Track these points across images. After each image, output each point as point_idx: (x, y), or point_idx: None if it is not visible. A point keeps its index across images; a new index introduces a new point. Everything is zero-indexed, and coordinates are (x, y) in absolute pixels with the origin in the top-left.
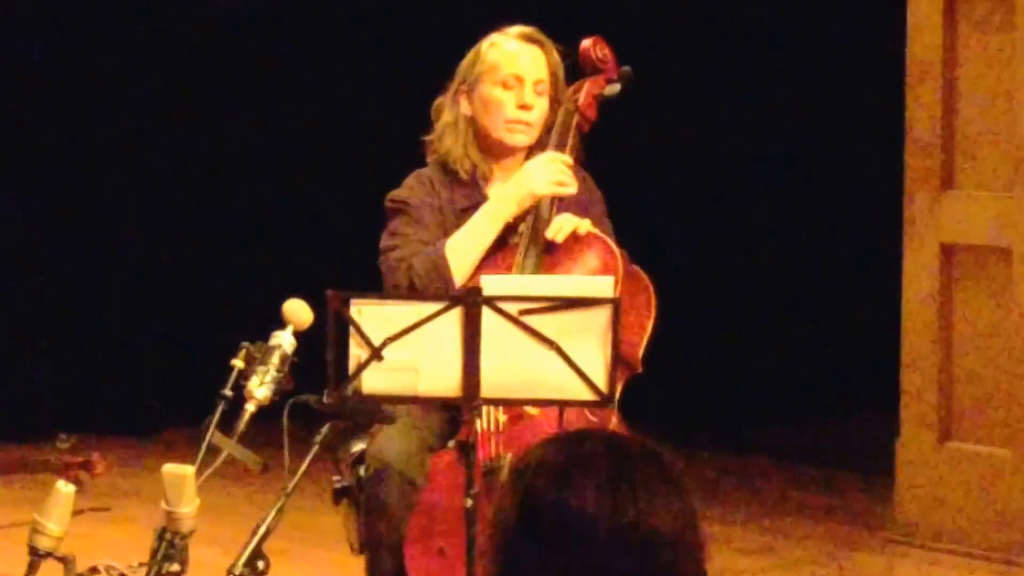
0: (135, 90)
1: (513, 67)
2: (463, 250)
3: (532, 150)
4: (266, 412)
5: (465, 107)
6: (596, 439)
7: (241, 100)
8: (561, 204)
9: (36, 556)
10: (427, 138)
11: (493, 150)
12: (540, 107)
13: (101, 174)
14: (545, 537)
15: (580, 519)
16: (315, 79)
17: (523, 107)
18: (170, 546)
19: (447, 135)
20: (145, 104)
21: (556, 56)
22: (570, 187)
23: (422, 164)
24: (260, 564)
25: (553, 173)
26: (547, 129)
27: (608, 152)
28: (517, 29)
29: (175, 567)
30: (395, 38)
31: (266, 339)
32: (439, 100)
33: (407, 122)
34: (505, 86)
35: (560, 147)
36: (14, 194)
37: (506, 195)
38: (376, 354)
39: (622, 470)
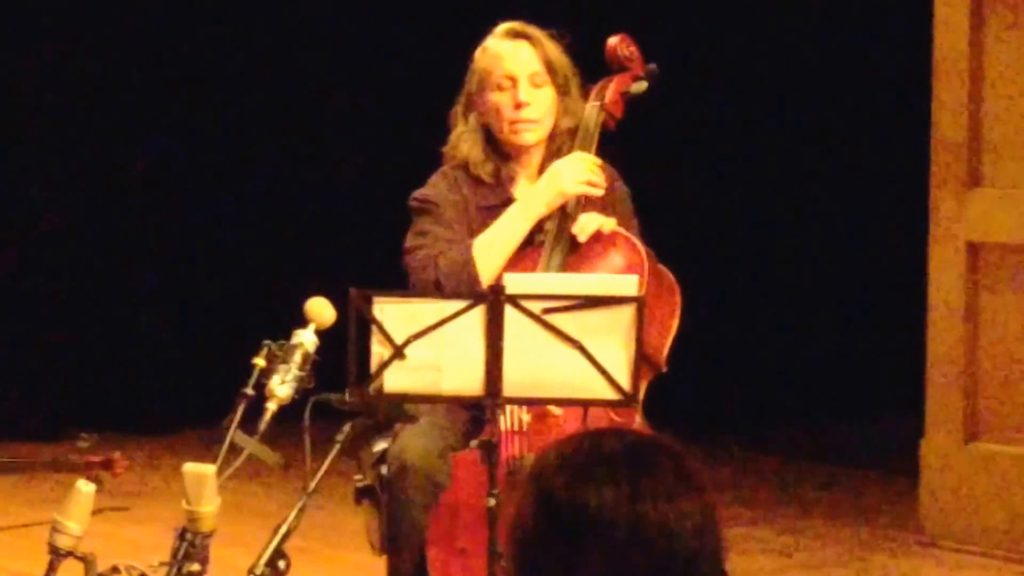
0: (157, 83)
1: (502, 68)
2: (491, 250)
3: (555, 140)
4: (287, 411)
5: (474, 117)
6: (616, 438)
7: (262, 97)
8: (587, 202)
9: (56, 555)
10: (443, 149)
11: (509, 152)
12: (541, 99)
13: (122, 172)
14: (564, 537)
15: (599, 519)
16: (337, 76)
17: (519, 106)
18: (191, 545)
19: (463, 143)
20: (165, 98)
21: (549, 43)
22: (599, 187)
23: (443, 162)
24: (281, 564)
25: (583, 172)
26: (571, 129)
27: (632, 150)
28: (502, 27)
29: (196, 567)
30: (418, 35)
31: (288, 337)
32: (453, 110)
33: (428, 119)
34: (500, 88)
35: (586, 144)
36: (36, 191)
37: (535, 195)
38: (398, 353)
39: (642, 470)
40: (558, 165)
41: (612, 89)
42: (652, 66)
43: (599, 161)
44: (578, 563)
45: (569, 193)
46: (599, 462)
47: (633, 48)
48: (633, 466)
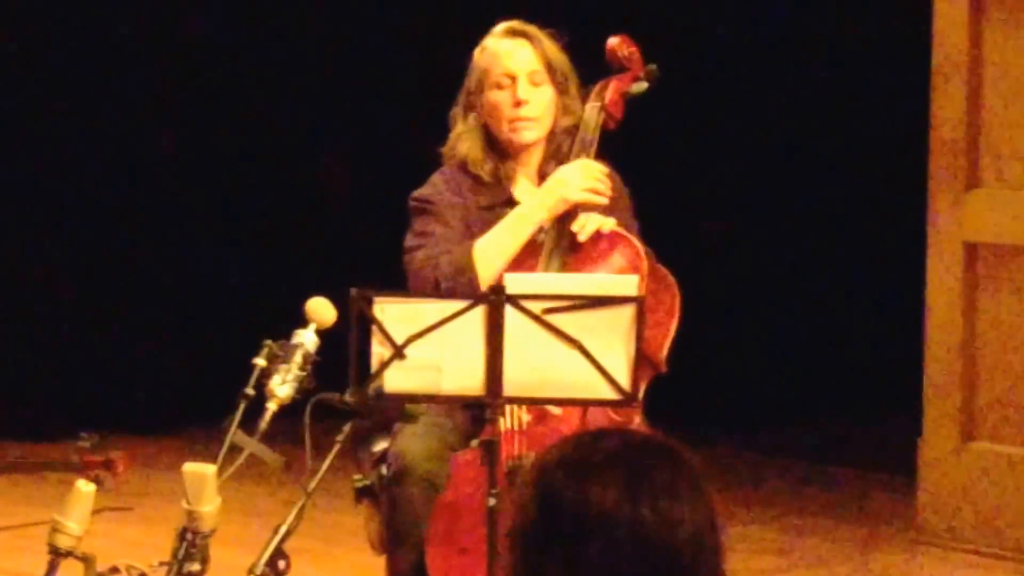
0: (157, 83)
1: (502, 66)
2: (491, 253)
3: (554, 139)
4: (288, 411)
5: (474, 116)
6: (615, 438)
7: (263, 96)
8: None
9: (56, 555)
10: (442, 149)
11: (508, 150)
12: (540, 97)
13: (124, 171)
14: (564, 536)
15: (599, 518)
16: (337, 76)
17: (518, 103)
18: (191, 545)
19: (462, 142)
20: (167, 98)
21: (548, 42)
22: (604, 196)
23: (442, 163)
24: (281, 564)
25: (587, 180)
26: (570, 128)
27: (630, 150)
28: (501, 26)
29: (196, 566)
30: (418, 35)
31: (288, 337)
32: (453, 111)
33: (428, 119)
34: (500, 87)
35: (586, 145)
36: (37, 190)
37: (539, 200)
38: (399, 353)
39: (641, 469)
40: (563, 171)
41: (612, 90)
42: (652, 67)
43: (606, 170)
44: (578, 561)
45: (573, 200)
46: (599, 461)
47: (633, 49)
48: (633, 465)
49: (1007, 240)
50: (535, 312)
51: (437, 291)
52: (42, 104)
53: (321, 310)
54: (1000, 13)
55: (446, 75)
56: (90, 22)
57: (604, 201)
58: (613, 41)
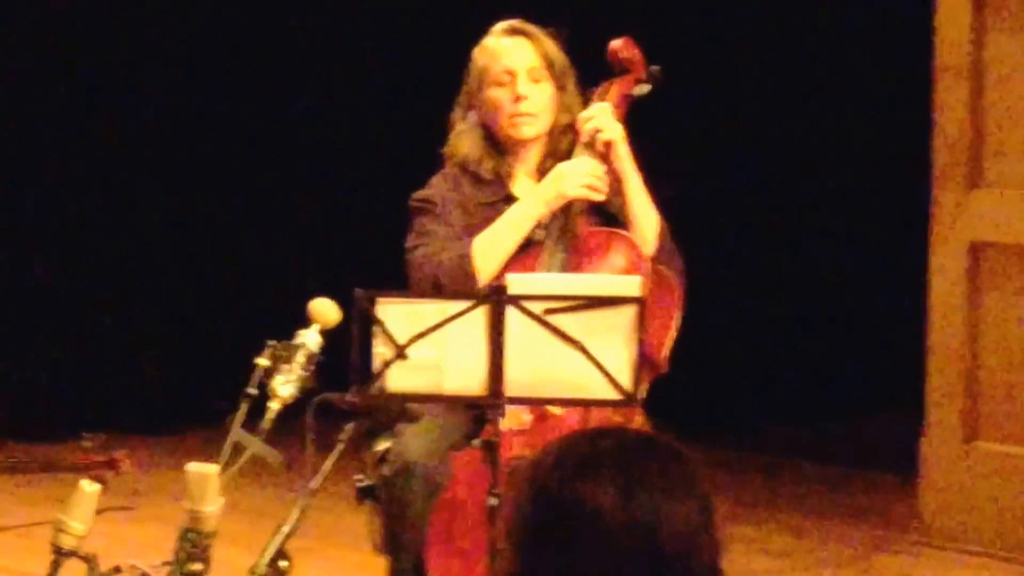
0: (159, 83)
1: (501, 63)
2: (490, 249)
3: (553, 136)
4: (291, 411)
5: (474, 115)
6: (612, 437)
7: (266, 95)
8: (587, 203)
9: (59, 555)
10: (443, 150)
11: (508, 148)
12: (539, 94)
13: (127, 171)
14: (560, 534)
15: (594, 516)
16: (337, 76)
17: (518, 99)
18: (193, 545)
19: (461, 141)
20: (169, 98)
21: (547, 41)
22: (600, 192)
23: (443, 163)
24: (283, 563)
25: (585, 177)
26: (568, 125)
27: (633, 151)
28: (500, 26)
29: (198, 566)
30: (418, 35)
31: (292, 337)
32: (452, 113)
33: (431, 120)
34: (499, 84)
35: (587, 146)
36: (37, 189)
37: (536, 196)
38: (401, 352)
39: (637, 468)
40: (562, 167)
41: (615, 92)
42: (655, 68)
43: (604, 167)
44: (573, 559)
45: (570, 196)
46: (595, 459)
47: (636, 51)
48: (628, 463)
49: (1011, 239)
50: (536, 313)
51: (437, 289)
52: (44, 105)
53: (325, 311)
54: (1003, 11)
55: (446, 75)
56: (110, 23)
57: (601, 197)
58: (616, 43)
